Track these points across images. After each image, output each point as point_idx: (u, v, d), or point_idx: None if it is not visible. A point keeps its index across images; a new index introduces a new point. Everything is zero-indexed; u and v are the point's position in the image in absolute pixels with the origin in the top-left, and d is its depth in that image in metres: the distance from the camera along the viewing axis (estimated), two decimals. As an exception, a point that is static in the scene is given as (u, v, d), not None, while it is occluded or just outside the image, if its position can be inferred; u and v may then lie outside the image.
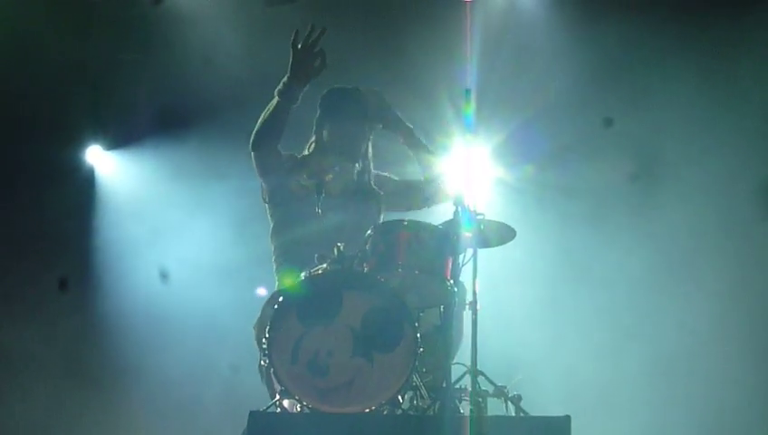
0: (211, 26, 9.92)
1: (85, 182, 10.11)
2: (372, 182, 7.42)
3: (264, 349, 6.36)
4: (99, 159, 10.21)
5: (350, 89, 7.45)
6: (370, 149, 7.45)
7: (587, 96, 9.59)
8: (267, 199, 7.34)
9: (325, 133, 7.39)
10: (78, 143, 10.16)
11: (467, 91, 6.92)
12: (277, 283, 7.16)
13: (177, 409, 9.49)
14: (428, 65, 9.51)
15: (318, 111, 7.43)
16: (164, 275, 9.73)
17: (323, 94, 7.43)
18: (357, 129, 7.36)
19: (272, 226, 7.33)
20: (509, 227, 6.81)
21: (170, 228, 9.81)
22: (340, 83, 7.46)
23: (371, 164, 7.42)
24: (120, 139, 10.23)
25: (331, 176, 7.01)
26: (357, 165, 7.36)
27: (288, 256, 7.13)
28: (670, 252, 9.36)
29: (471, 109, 6.90)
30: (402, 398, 6.38)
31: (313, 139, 7.45)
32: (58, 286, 9.78)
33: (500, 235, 6.81)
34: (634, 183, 9.47)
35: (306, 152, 7.42)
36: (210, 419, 9.11)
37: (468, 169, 6.95)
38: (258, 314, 6.89)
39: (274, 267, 7.27)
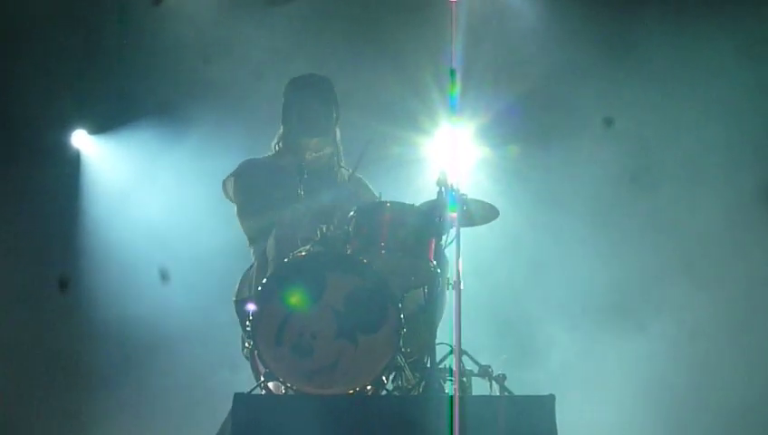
0: (199, 11, 9.90)
1: (71, 166, 10.07)
2: (341, 166, 7.42)
3: (248, 331, 6.37)
4: (84, 143, 10.19)
5: (314, 74, 7.51)
6: (338, 135, 7.46)
7: (573, 75, 9.58)
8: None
9: (293, 117, 7.40)
10: (63, 127, 10.12)
11: (452, 72, 6.93)
12: (256, 264, 7.19)
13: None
14: (413, 47, 9.49)
15: (284, 100, 7.45)
16: (164, 276, 9.73)
17: (287, 83, 7.47)
18: (325, 108, 7.38)
19: (238, 207, 7.37)
20: (492, 206, 6.82)
21: (158, 212, 9.80)
22: (328, 66, 7.49)
23: (341, 150, 7.42)
24: (105, 123, 10.19)
25: (312, 154, 7.02)
26: (328, 147, 7.38)
27: (266, 236, 7.14)
28: (661, 231, 9.37)
29: (456, 89, 6.91)
30: (387, 378, 6.40)
31: (281, 130, 7.46)
32: (58, 287, 9.75)
33: (483, 214, 6.82)
34: (622, 163, 9.47)
35: (275, 144, 7.46)
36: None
37: (452, 150, 6.97)
38: (236, 287, 6.98)
39: (251, 249, 7.31)
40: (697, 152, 9.27)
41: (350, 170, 7.37)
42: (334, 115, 7.43)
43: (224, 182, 7.47)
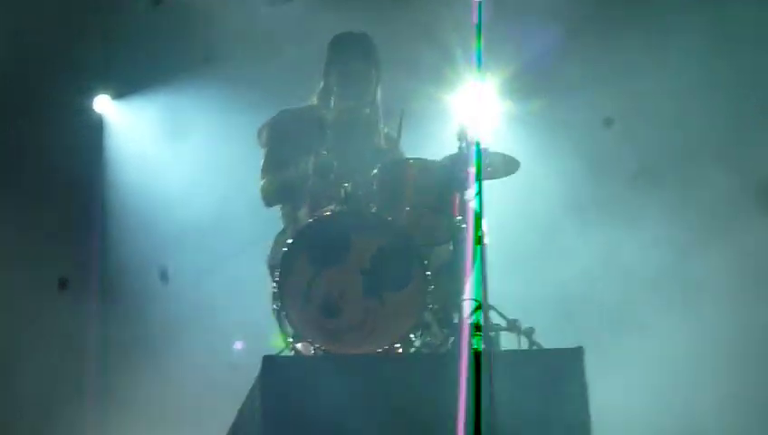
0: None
1: (94, 130, 10.08)
2: (382, 127, 7.39)
3: (275, 293, 6.37)
4: (107, 107, 10.19)
5: (358, 33, 7.45)
6: (379, 95, 7.41)
7: (596, 32, 9.50)
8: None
9: (333, 77, 7.37)
10: (87, 92, 10.12)
11: (477, 27, 6.87)
12: (284, 223, 7.19)
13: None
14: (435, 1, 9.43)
15: (326, 57, 7.42)
16: (164, 276, 9.76)
17: (331, 40, 7.44)
18: (365, 70, 7.35)
19: (266, 156, 7.36)
20: (513, 158, 6.79)
21: (178, 177, 9.80)
22: (352, 21, 7.45)
23: (380, 111, 7.38)
24: (128, 88, 10.19)
25: (335, 114, 7.00)
26: (366, 109, 7.33)
27: (292, 196, 7.13)
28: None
29: (480, 44, 6.85)
30: (415, 336, 6.41)
31: (321, 84, 7.44)
32: (58, 287, 9.77)
33: (505, 166, 6.79)
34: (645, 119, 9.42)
35: (314, 99, 7.42)
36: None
37: (475, 104, 6.92)
38: (270, 249, 7.01)
39: (280, 209, 7.31)
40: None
41: (394, 133, 7.33)
42: (374, 75, 7.39)
43: (259, 129, 7.45)
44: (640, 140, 9.37)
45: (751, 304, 8.95)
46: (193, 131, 9.81)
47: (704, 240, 9.05)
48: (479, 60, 6.77)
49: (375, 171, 6.67)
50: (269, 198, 7.34)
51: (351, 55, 7.35)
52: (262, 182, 7.35)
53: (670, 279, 9.07)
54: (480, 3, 6.29)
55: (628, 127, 9.37)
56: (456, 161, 6.55)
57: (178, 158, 9.85)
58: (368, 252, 6.36)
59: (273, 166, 7.30)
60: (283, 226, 7.28)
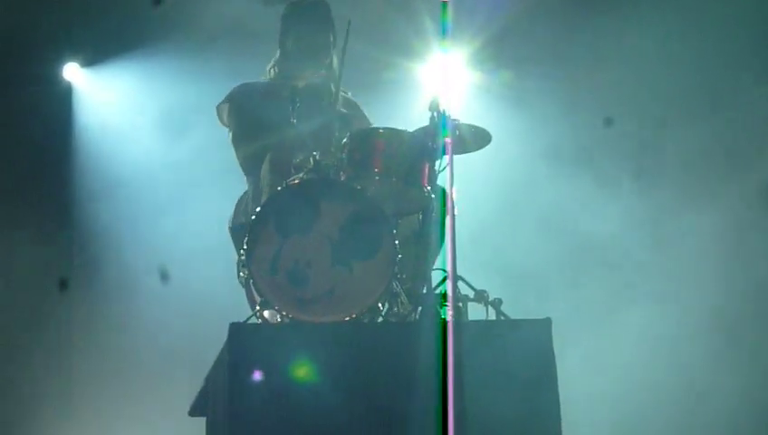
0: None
1: (63, 99, 10.03)
2: (338, 92, 7.37)
3: (243, 260, 6.35)
4: (76, 75, 10.13)
5: (313, 0, 7.41)
6: (335, 61, 7.38)
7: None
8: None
9: (290, 42, 7.35)
10: (54, 60, 10.06)
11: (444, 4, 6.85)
12: (251, 192, 7.17)
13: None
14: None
15: (281, 26, 7.39)
16: (164, 276, 9.74)
17: (285, 7, 7.40)
18: (322, 35, 7.32)
19: (233, 133, 7.31)
20: (485, 131, 6.77)
21: (151, 144, 9.77)
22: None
23: (339, 77, 7.33)
24: (96, 55, 10.13)
25: (303, 82, 6.95)
26: (322, 72, 7.31)
27: (260, 164, 7.11)
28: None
29: (448, 15, 6.84)
30: (383, 305, 6.39)
31: (277, 54, 7.40)
32: (58, 287, 9.75)
33: (476, 139, 6.77)
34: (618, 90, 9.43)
35: (270, 68, 7.39)
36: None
37: (444, 75, 6.91)
38: (231, 213, 7.02)
39: (246, 179, 7.28)
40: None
41: (348, 94, 7.33)
42: (331, 41, 7.37)
43: (217, 108, 7.39)
44: (615, 110, 9.39)
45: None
46: (164, 100, 9.76)
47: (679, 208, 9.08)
48: (446, 30, 6.78)
49: (345, 140, 6.63)
50: (246, 168, 7.29)
51: (308, 21, 7.32)
52: (238, 152, 7.30)
53: (645, 251, 9.12)
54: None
55: (601, 96, 9.38)
56: (427, 132, 6.52)
57: (147, 126, 9.81)
58: (336, 220, 6.33)
59: (243, 140, 7.26)
60: (246, 190, 7.24)
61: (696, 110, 9.22)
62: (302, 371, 5.99)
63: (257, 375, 6.01)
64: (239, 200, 7.18)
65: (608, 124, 9.36)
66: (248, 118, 7.24)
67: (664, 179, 9.28)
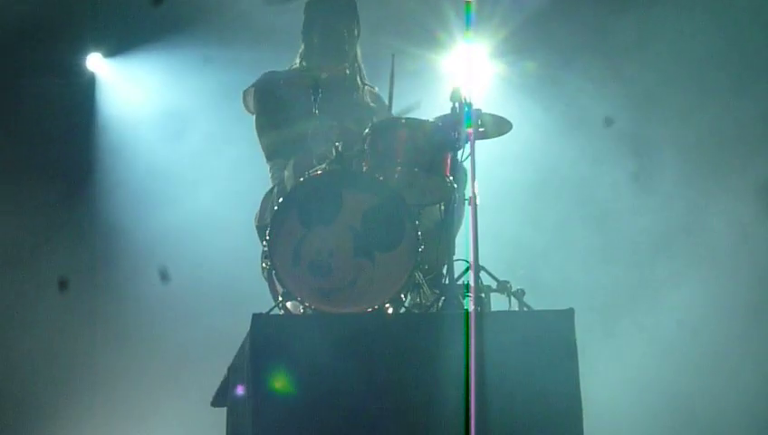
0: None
1: (86, 88, 10.05)
2: (364, 84, 7.36)
3: (266, 251, 6.35)
4: (99, 66, 10.15)
5: None
6: (359, 53, 7.37)
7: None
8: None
9: (315, 36, 7.33)
10: (78, 50, 10.08)
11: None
12: (273, 180, 7.16)
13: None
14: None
15: (304, 18, 7.38)
16: (164, 276, 9.75)
17: (308, 1, 7.38)
18: (346, 28, 7.30)
19: (257, 119, 7.32)
20: (505, 119, 6.75)
21: (173, 134, 9.79)
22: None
23: (362, 69, 7.33)
24: (120, 46, 10.14)
25: (326, 74, 6.94)
26: (346, 65, 7.29)
27: (284, 154, 7.10)
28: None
29: (472, 6, 6.83)
30: (405, 296, 6.39)
31: (302, 48, 7.40)
32: (58, 287, 9.77)
33: (497, 127, 6.75)
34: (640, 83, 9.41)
35: (297, 62, 7.38)
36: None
37: (467, 66, 6.90)
38: (257, 211, 7.00)
39: (269, 166, 7.27)
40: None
41: (374, 88, 7.33)
42: (355, 34, 7.36)
43: (244, 93, 7.39)
44: (634, 101, 9.37)
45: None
46: (186, 91, 9.78)
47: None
48: (469, 21, 6.77)
49: (367, 131, 6.62)
50: (269, 154, 7.29)
51: (331, 14, 7.31)
52: (262, 139, 7.30)
53: (672, 243, 9.09)
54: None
55: (622, 90, 9.36)
56: (449, 122, 6.51)
57: (170, 117, 9.83)
58: (359, 211, 6.33)
59: (267, 126, 7.27)
60: (271, 185, 7.24)
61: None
62: (280, 383, 5.99)
63: (240, 390, 6.08)
64: (265, 197, 7.16)
65: (608, 124, 9.33)
66: (273, 105, 7.24)
67: (700, 165, 9.26)
